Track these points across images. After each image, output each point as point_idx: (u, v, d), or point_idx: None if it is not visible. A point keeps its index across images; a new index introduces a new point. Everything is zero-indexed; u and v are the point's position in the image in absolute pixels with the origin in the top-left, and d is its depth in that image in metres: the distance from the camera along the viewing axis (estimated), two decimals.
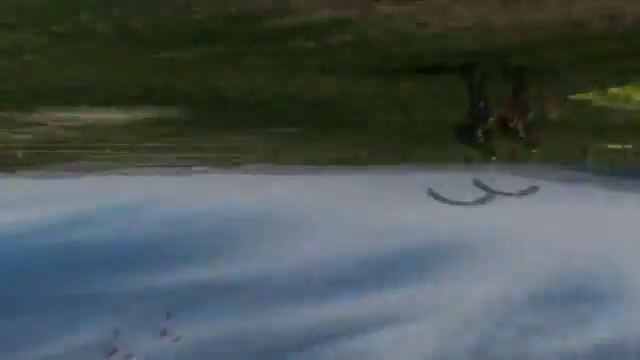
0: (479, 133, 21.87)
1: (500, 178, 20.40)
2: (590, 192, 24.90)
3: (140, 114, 27.47)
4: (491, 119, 21.89)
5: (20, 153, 20.44)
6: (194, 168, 18.73)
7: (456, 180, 20.10)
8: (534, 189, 20.28)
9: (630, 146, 22.39)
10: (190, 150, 27.11)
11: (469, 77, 21.67)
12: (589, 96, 22.93)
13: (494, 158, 21.27)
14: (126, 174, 18.87)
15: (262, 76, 22.89)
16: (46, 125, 24.04)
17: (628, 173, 22.44)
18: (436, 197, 18.91)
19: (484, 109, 21.96)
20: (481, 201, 19.18)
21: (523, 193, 20.21)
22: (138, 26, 18.84)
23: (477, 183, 20.36)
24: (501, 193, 20.20)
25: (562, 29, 19.37)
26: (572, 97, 23.34)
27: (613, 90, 22.29)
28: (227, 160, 19.19)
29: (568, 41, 19.94)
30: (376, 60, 21.45)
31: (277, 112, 24.93)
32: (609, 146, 23.30)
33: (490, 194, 20.03)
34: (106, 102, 26.32)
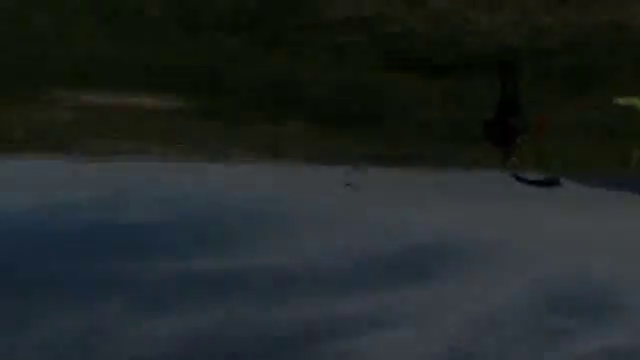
0: (520, 136, 21.83)
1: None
2: (626, 199, 24.78)
3: (174, 100, 27.06)
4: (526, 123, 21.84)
5: (21, 132, 20.49)
6: (237, 159, 18.75)
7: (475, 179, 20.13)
8: (556, 181, 20.20)
9: None
10: (225, 140, 27.21)
11: (510, 75, 21.60)
12: (634, 101, 22.88)
13: (516, 161, 21.27)
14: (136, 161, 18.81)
15: (307, 65, 23.02)
16: (77, 106, 24.11)
17: None
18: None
19: (523, 110, 21.93)
20: (549, 182, 19.31)
21: (546, 183, 20.16)
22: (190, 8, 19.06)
23: (517, 176, 20.34)
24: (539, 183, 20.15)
25: (608, 32, 19.46)
26: (617, 101, 23.30)
27: None
28: (268, 151, 19.31)
29: (614, 44, 20.02)
30: (421, 54, 21.61)
31: (320, 103, 24.99)
32: None
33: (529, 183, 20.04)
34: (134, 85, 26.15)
